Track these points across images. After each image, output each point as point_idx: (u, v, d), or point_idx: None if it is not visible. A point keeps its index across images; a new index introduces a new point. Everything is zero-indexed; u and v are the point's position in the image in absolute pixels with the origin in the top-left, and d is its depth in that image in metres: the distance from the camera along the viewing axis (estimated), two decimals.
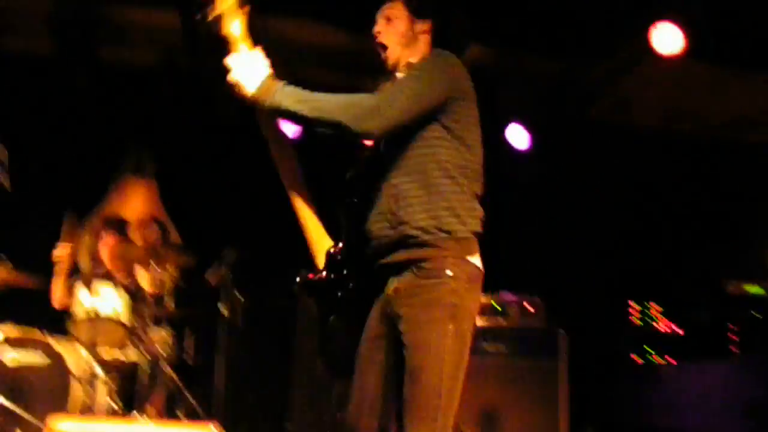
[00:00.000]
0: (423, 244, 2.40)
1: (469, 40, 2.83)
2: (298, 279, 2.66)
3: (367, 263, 2.54)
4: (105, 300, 4.71)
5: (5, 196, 4.58)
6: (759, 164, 6.34)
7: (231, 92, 2.53)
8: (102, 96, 5.80)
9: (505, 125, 6.31)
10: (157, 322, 4.64)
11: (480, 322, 5.01)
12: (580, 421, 5.11)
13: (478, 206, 2.53)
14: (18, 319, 4.45)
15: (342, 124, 2.41)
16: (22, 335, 4.32)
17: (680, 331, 6.25)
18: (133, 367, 4.45)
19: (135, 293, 4.72)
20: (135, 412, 4.26)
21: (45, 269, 4.73)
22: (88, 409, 4.22)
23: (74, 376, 4.23)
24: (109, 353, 4.48)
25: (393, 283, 2.46)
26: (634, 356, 6.14)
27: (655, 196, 6.51)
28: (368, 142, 2.63)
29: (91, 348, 4.41)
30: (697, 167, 6.52)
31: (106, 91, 5.80)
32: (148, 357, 4.46)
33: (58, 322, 4.72)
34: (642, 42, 5.20)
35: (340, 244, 2.62)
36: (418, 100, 2.46)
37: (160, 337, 4.62)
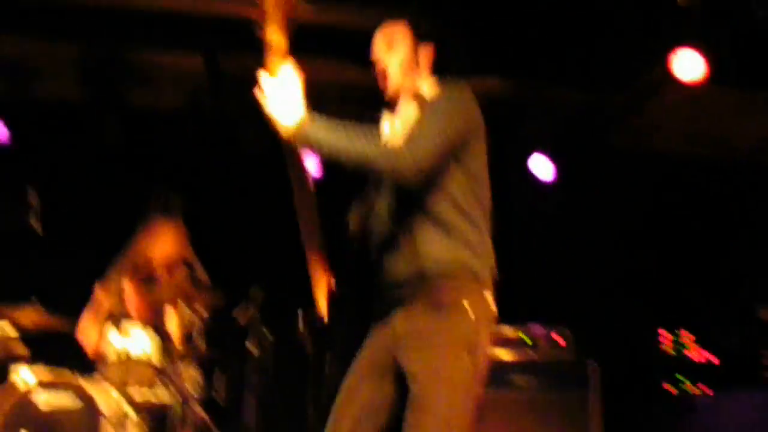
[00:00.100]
0: (440, 278, 2.33)
1: (468, 62, 2.74)
2: (300, 319, 2.63)
3: (371, 300, 2.47)
4: (135, 341, 4.74)
5: (36, 240, 4.67)
6: None
7: (263, 118, 2.42)
8: (129, 138, 5.90)
9: (528, 156, 6.31)
10: (187, 362, 4.67)
11: (508, 355, 4.98)
12: None
13: (490, 242, 2.48)
14: (49, 362, 4.50)
15: (377, 171, 2.36)
16: (53, 378, 4.36)
17: (714, 360, 6.15)
18: (164, 407, 4.47)
19: (164, 334, 4.75)
20: None
21: (75, 312, 4.78)
22: None
23: (106, 417, 4.26)
24: (139, 394, 4.51)
25: (403, 315, 2.37)
26: (667, 386, 6.05)
27: (683, 222, 6.46)
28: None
29: (122, 389, 4.44)
30: (725, 192, 6.47)
31: (134, 134, 5.91)
32: (179, 397, 4.48)
33: (89, 363, 4.76)
34: (663, 69, 5.20)
35: (341, 281, 2.54)
36: (448, 142, 2.37)
37: (190, 377, 4.64)
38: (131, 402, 4.40)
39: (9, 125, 5.87)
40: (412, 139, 2.35)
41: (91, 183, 5.89)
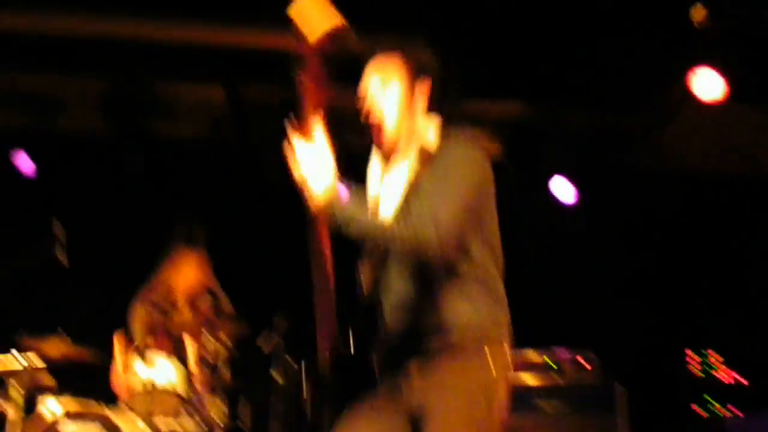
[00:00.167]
0: (461, 330, 2.27)
1: (462, 94, 2.52)
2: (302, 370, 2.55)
3: (384, 352, 2.38)
4: (160, 371, 4.76)
5: (62, 272, 4.71)
6: None
7: (295, 184, 2.29)
8: (153, 169, 5.97)
9: (549, 179, 6.30)
10: (212, 391, 4.67)
11: (533, 380, 4.95)
12: None
13: (504, 292, 2.41)
14: (76, 392, 4.52)
15: (402, 252, 2.25)
16: (81, 408, 4.38)
17: (743, 380, 6.07)
18: None
19: (189, 363, 4.77)
20: None
21: (101, 343, 4.82)
22: None
23: None
24: (165, 424, 4.51)
25: (420, 362, 2.29)
26: (696, 408, 5.98)
27: (707, 241, 6.41)
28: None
29: (148, 419, 4.45)
30: (749, 210, 6.41)
31: (157, 165, 5.97)
32: (204, 427, 4.48)
33: (115, 394, 4.78)
34: (682, 88, 5.20)
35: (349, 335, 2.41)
36: (470, 213, 2.25)
37: (216, 406, 4.64)
38: None
39: (34, 158, 5.96)
40: (431, 212, 2.18)
41: (115, 214, 5.95)
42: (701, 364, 6.15)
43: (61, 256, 4.63)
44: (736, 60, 5.06)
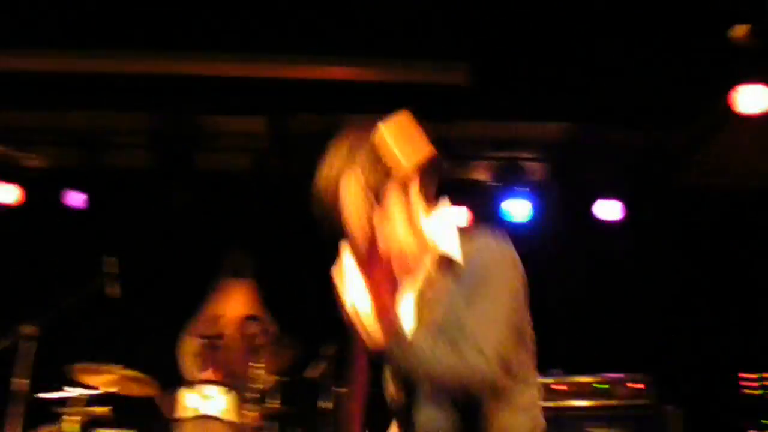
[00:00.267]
0: None
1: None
2: None
3: None
4: (211, 399, 4.80)
5: (115, 305, 4.80)
6: None
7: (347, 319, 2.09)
8: (199, 201, 6.06)
9: (594, 200, 6.26)
10: (262, 419, 4.70)
11: (585, 404, 4.89)
12: None
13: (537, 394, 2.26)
14: (130, 423, 4.59)
15: (448, 387, 2.04)
16: None
17: None
18: None
19: (240, 392, 4.80)
20: None
21: (153, 373, 4.88)
22: None
23: None
24: None
25: None
26: (751, 430, 5.84)
27: (758, 258, 6.30)
28: None
29: None
30: None
31: (203, 197, 6.06)
32: None
33: (167, 423, 4.83)
34: (725, 105, 5.14)
35: None
36: (514, 330, 2.07)
37: None
38: None
39: (84, 192, 6.10)
40: (475, 337, 1.99)
41: (163, 246, 6.05)
42: (758, 385, 6.01)
43: (114, 289, 4.72)
44: None
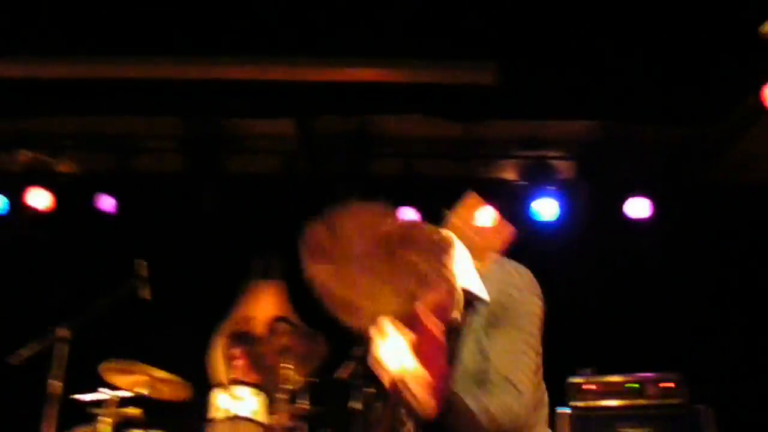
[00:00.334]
0: None
1: None
2: None
3: None
4: (242, 401, 4.83)
5: (147, 307, 4.85)
6: None
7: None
8: (229, 204, 6.10)
9: (622, 198, 6.22)
10: (293, 419, 4.72)
11: (617, 403, 4.86)
12: None
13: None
14: (162, 424, 4.63)
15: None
16: None
17: None
18: None
19: (270, 393, 4.82)
20: None
21: (185, 375, 4.92)
22: None
23: None
24: None
25: None
26: None
27: None
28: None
29: None
30: None
31: (233, 200, 6.10)
32: None
33: (199, 426, 4.87)
34: (756, 100, 5.08)
35: None
36: (539, 363, 2.15)
37: None
38: None
39: (115, 197, 6.17)
40: (506, 378, 2.06)
41: (193, 250, 6.09)
42: None
43: (145, 292, 4.76)
44: None
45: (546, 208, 6.16)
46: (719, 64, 5.12)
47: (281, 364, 4.70)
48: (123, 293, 4.76)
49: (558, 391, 5.04)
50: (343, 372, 4.70)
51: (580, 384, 4.99)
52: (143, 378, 4.72)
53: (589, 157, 6.26)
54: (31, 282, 6.06)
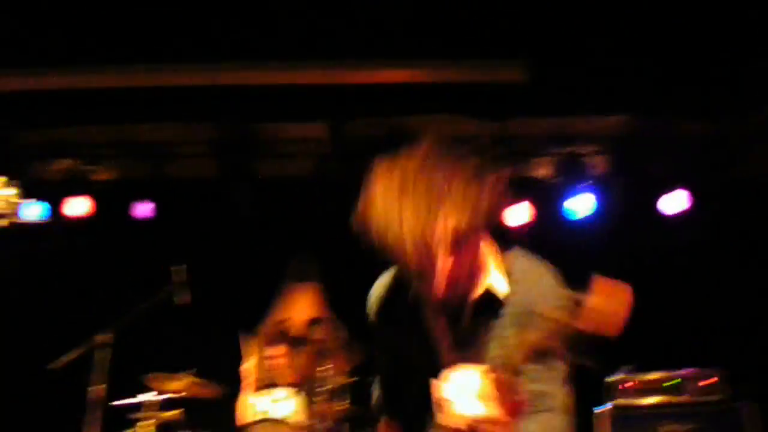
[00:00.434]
0: None
1: None
2: None
3: None
4: (279, 403, 4.86)
5: (186, 312, 4.90)
6: None
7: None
8: (264, 207, 6.14)
9: (656, 192, 6.16)
10: (330, 420, 4.73)
11: (657, 401, 4.82)
12: None
13: None
14: (203, 427, 4.67)
15: None
16: None
17: None
18: None
19: (308, 393, 4.84)
20: None
21: (224, 379, 4.96)
22: None
23: None
24: None
25: None
26: None
27: None
28: None
29: None
30: None
31: (268, 203, 6.14)
32: None
33: (238, 428, 4.91)
34: None
35: None
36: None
37: None
38: None
39: (152, 202, 6.24)
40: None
41: (229, 252, 6.14)
42: None
43: (185, 297, 4.81)
44: None
45: (581, 204, 6.12)
46: (753, 56, 5.06)
47: (318, 366, 4.72)
48: (162, 299, 4.81)
49: (597, 390, 5.01)
50: None
51: (619, 382, 4.95)
52: (183, 382, 4.77)
53: (622, 152, 6.21)
54: (70, 288, 6.15)
